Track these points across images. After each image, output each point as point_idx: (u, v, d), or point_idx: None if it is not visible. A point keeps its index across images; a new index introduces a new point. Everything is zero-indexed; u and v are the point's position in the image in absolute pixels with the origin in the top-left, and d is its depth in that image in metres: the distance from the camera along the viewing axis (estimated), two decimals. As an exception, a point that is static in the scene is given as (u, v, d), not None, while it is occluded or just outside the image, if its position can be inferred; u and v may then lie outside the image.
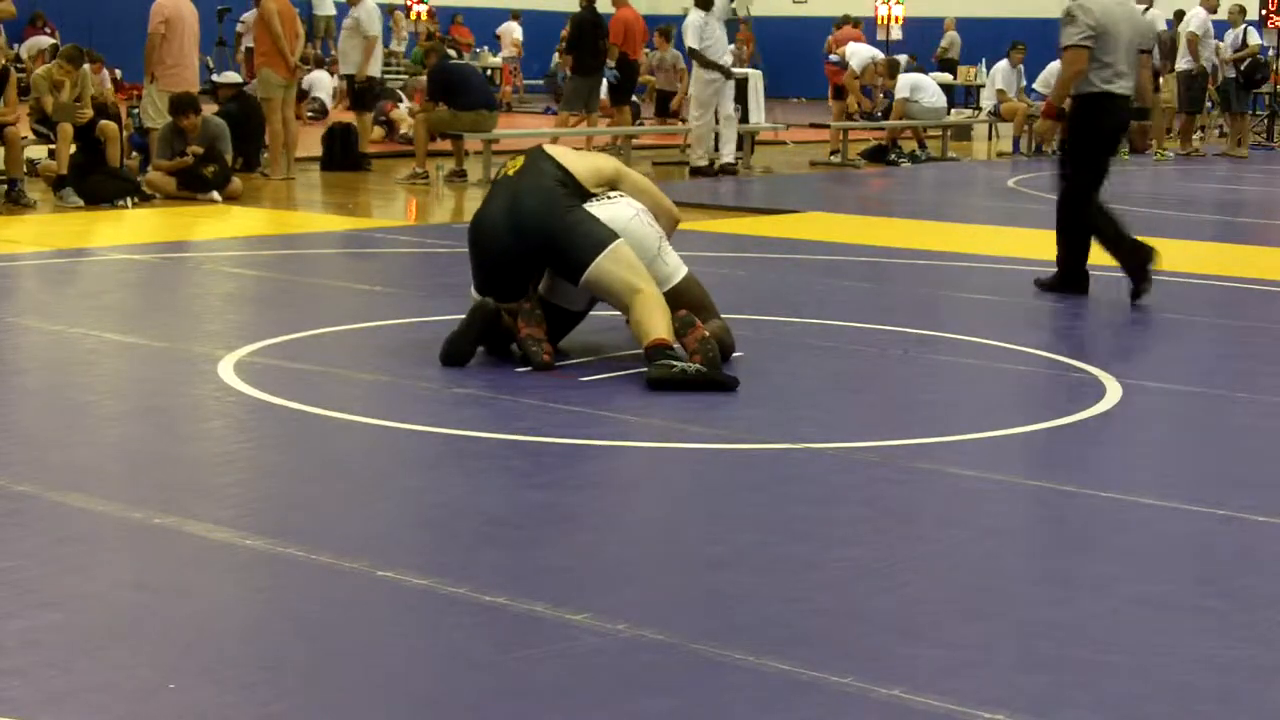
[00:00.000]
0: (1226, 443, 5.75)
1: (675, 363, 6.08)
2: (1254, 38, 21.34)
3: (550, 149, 6.85)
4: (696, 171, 16.24)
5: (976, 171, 19.09)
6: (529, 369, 6.41)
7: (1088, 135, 8.86)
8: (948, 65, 27.58)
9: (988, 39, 27.62)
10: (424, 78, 16.26)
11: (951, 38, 29.58)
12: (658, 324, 6.22)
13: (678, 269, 6.72)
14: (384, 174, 15.58)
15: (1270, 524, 4.63)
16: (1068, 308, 8.60)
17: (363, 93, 16.11)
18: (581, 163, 6.75)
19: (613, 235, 6.40)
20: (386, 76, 22.09)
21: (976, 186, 17.21)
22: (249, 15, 18.86)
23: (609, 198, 6.73)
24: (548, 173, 6.56)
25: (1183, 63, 20.17)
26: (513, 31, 30.59)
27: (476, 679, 3.37)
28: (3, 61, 12.41)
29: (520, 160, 6.71)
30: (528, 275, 6.54)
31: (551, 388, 6.17)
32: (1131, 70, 8.96)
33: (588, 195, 6.62)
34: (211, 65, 21.55)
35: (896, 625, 3.75)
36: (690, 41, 16.08)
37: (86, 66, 13.10)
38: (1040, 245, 11.13)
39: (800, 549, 4.29)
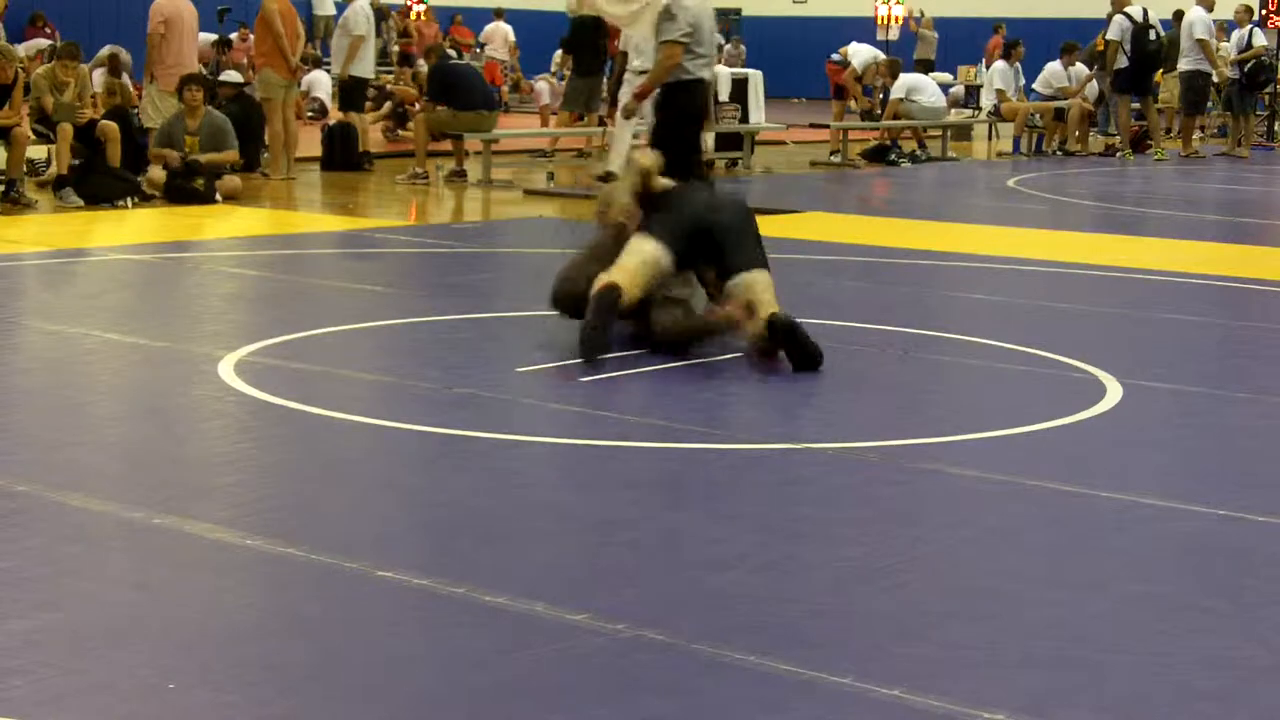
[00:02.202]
0: (1226, 443, 5.75)
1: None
2: (1259, 39, 21.31)
3: None
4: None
5: (976, 171, 19.09)
6: (529, 369, 6.41)
7: (682, 117, 9.73)
8: (924, 65, 27.47)
9: (987, 39, 27.64)
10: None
11: (926, 36, 29.49)
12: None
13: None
14: (384, 174, 15.57)
15: (1270, 524, 4.63)
16: (1070, 309, 8.60)
17: (351, 92, 16.05)
18: None
19: (766, 261, 6.97)
20: (381, 75, 22.06)
21: (976, 186, 17.21)
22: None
23: None
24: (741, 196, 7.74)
25: (1184, 63, 20.14)
26: (504, 33, 30.33)
27: (476, 679, 3.37)
28: (15, 69, 12.39)
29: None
30: (697, 251, 6.94)
31: (551, 388, 6.17)
32: (713, 58, 10.37)
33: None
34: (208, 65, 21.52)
35: (896, 625, 3.75)
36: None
37: (84, 66, 13.09)
38: (1040, 245, 11.14)
39: (800, 549, 4.29)
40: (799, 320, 6.63)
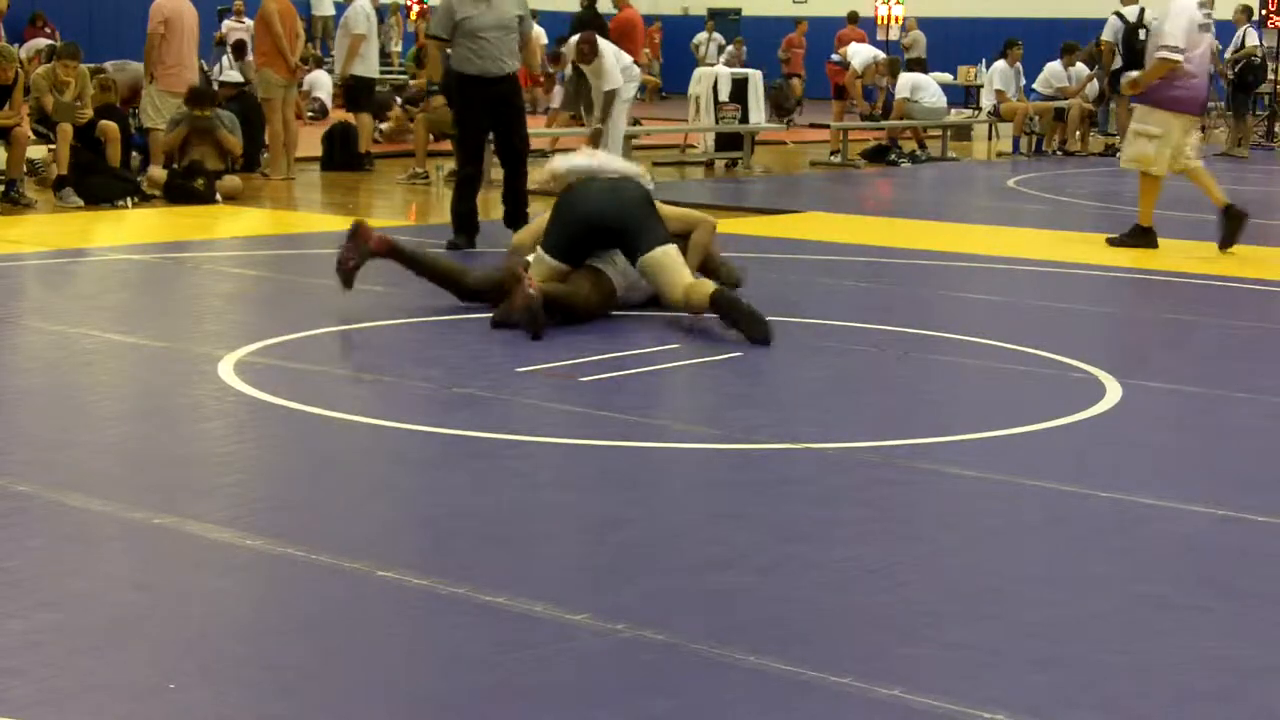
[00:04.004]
0: (1226, 443, 5.74)
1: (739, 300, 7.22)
2: (1252, 38, 21.31)
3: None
4: None
5: (976, 171, 19.09)
6: (529, 368, 6.41)
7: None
8: (916, 65, 27.40)
9: (987, 39, 27.62)
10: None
11: (915, 37, 29.44)
12: (706, 287, 7.37)
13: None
14: (384, 174, 15.57)
15: (1270, 524, 4.63)
16: (1070, 309, 8.60)
17: (355, 92, 16.00)
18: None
19: (670, 238, 7.62)
20: (385, 77, 22.03)
21: (976, 186, 17.21)
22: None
23: None
24: (644, 186, 7.98)
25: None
26: (536, 35, 30.31)
27: (476, 679, 3.37)
28: (15, 69, 12.38)
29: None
30: (593, 246, 7.66)
31: (551, 388, 6.17)
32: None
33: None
34: (204, 67, 21.51)
35: (896, 625, 3.75)
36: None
37: (83, 66, 13.09)
38: (1040, 245, 11.13)
39: (800, 549, 4.29)
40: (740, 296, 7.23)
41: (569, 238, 7.63)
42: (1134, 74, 11.73)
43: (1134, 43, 19.33)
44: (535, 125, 21.03)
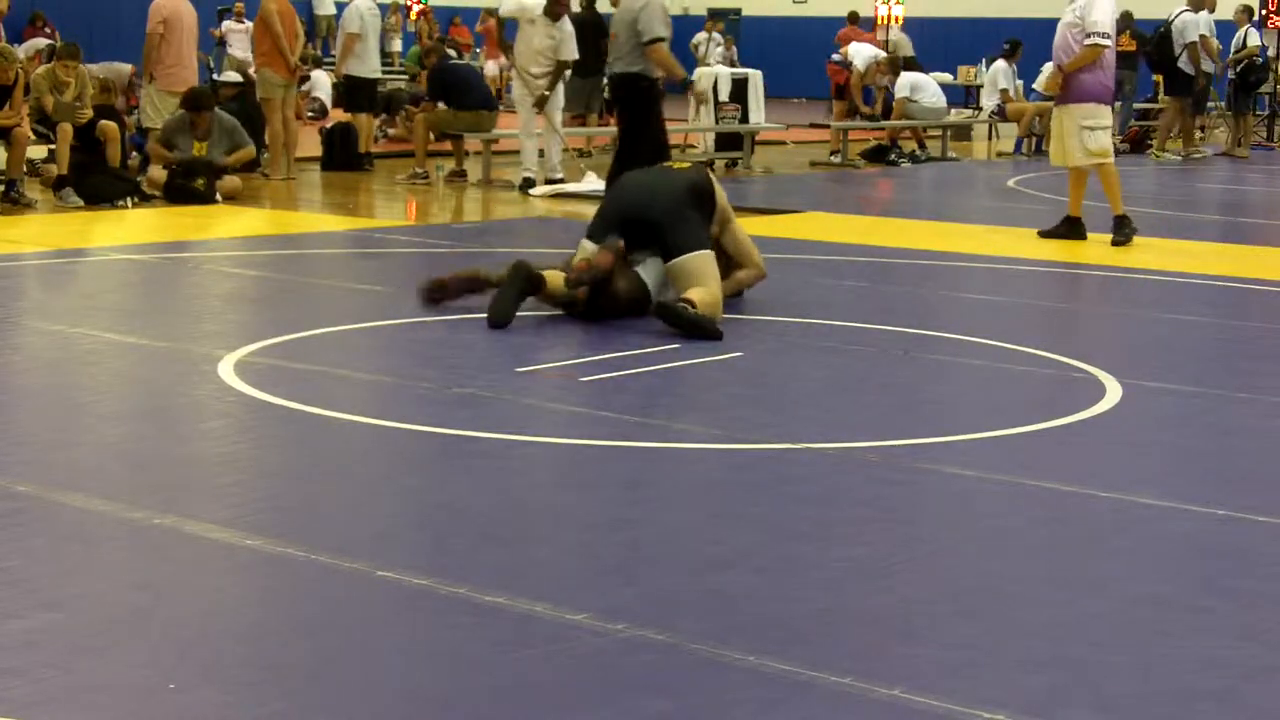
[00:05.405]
0: (1226, 443, 5.74)
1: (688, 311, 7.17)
2: (1254, 38, 21.33)
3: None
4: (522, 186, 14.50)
5: (976, 171, 19.09)
6: (529, 368, 6.42)
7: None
8: (911, 64, 27.29)
9: (987, 39, 27.61)
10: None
11: (899, 40, 29.40)
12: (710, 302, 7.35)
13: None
14: (384, 174, 15.57)
15: (1270, 524, 4.63)
16: (1070, 309, 8.60)
17: (352, 92, 15.97)
18: (722, 199, 8.09)
19: (709, 244, 7.66)
20: (386, 76, 22.02)
21: (976, 186, 17.21)
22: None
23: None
24: (703, 178, 7.99)
25: (1184, 63, 20.14)
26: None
27: (476, 679, 3.37)
28: (15, 70, 12.38)
29: (688, 163, 8.17)
30: (633, 238, 7.57)
31: (551, 388, 6.17)
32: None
33: (709, 216, 7.92)
34: (211, 65, 21.56)
35: (896, 625, 3.75)
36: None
37: (83, 66, 13.09)
38: (1040, 245, 11.13)
39: (800, 549, 4.29)
40: (685, 305, 7.17)
41: (607, 226, 7.65)
42: (1049, 65, 12.23)
43: (1165, 47, 19.54)
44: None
